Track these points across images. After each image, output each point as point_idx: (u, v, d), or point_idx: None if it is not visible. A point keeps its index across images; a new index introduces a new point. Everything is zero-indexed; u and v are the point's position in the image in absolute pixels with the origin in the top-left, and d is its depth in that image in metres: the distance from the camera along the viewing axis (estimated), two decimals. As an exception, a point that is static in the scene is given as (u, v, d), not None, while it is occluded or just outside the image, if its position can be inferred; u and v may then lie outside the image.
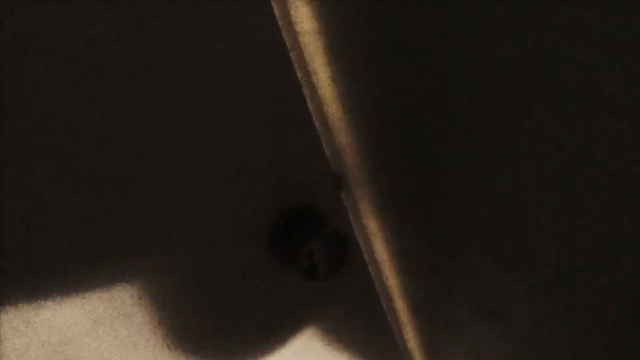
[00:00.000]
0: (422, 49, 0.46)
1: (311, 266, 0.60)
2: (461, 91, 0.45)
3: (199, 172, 0.52)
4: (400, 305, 0.90)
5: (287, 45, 0.56)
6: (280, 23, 0.54)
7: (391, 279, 0.85)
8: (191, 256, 0.54)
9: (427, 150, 0.55)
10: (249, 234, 0.59)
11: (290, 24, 0.55)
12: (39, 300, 0.43)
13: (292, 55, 0.57)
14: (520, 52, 0.38)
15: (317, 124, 0.61)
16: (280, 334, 0.69)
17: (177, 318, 0.54)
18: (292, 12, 0.55)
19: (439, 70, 0.46)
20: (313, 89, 0.61)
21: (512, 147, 0.45)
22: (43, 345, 0.44)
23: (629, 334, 0.48)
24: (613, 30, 0.32)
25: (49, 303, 0.43)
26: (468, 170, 0.52)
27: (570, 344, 0.56)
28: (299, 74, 0.57)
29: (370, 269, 0.83)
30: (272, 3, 0.52)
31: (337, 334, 0.84)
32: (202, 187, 0.53)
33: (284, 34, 0.55)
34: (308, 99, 0.59)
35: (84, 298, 0.46)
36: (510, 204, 0.50)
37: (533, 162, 0.44)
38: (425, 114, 0.52)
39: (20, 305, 0.42)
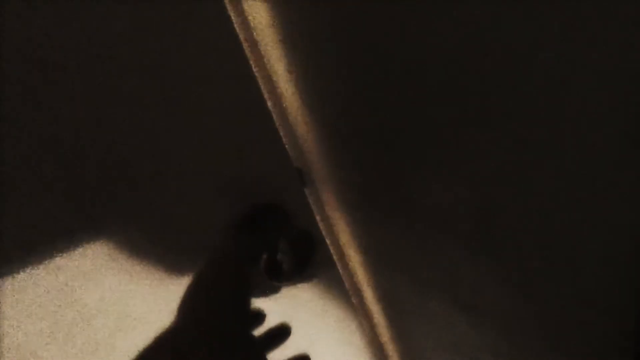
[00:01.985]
0: (383, 39, 0.45)
1: (274, 266, 0.58)
2: (427, 81, 0.45)
3: (156, 172, 0.50)
4: (371, 300, 0.89)
5: (241, 38, 0.54)
6: (232, 14, 0.52)
7: (360, 274, 0.84)
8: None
9: (392, 142, 0.54)
10: (211, 234, 0.57)
11: (243, 16, 0.53)
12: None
13: (247, 49, 0.55)
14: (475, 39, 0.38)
15: (276, 118, 0.60)
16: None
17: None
18: (244, 3, 0.53)
19: (402, 61, 0.45)
20: (270, 83, 0.59)
21: (481, 138, 0.44)
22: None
23: (603, 323, 0.48)
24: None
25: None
26: (435, 161, 0.51)
27: (547, 335, 0.56)
28: (254, 68, 0.55)
29: (338, 265, 0.82)
30: (223, -7, 0.50)
31: (306, 331, 0.83)
32: (159, 188, 0.51)
33: (237, 27, 0.53)
34: (265, 93, 0.57)
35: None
36: (480, 195, 0.49)
37: (504, 152, 0.44)
38: (389, 104, 0.51)
39: None
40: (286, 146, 0.63)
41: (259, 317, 0.51)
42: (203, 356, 0.38)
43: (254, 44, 0.56)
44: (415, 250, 0.64)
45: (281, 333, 0.51)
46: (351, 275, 0.85)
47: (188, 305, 0.43)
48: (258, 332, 0.50)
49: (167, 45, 0.46)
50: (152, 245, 0.52)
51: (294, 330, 0.52)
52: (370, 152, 0.58)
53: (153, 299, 0.55)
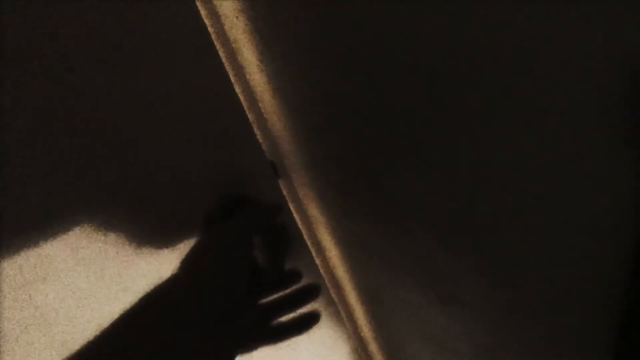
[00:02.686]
0: (358, 27, 0.43)
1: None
2: (403, 73, 0.43)
3: (123, 164, 0.47)
4: (351, 294, 0.88)
5: (209, 29, 0.52)
6: (199, 4, 0.50)
7: (339, 267, 0.83)
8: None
9: (368, 134, 0.53)
10: (184, 230, 0.55)
11: (211, 4, 0.51)
12: None
13: (215, 39, 0.53)
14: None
15: (247, 109, 0.58)
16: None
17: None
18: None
19: (377, 52, 0.44)
20: (240, 72, 0.57)
21: (459, 132, 0.43)
22: None
23: (583, 313, 0.48)
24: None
25: None
26: (412, 154, 0.50)
27: (527, 325, 0.55)
28: (223, 58, 0.53)
29: (316, 259, 0.80)
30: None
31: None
32: (125, 182, 0.48)
33: (204, 17, 0.51)
34: (234, 82, 0.55)
35: None
36: (458, 189, 0.48)
37: (482, 146, 0.43)
38: (365, 96, 0.49)
39: None
40: (259, 139, 0.61)
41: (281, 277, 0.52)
42: (196, 307, 0.38)
43: (223, 33, 0.54)
44: (394, 243, 0.63)
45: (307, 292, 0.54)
46: (330, 270, 0.84)
47: (189, 262, 0.44)
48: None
49: (133, 35, 0.44)
50: (129, 235, 0.50)
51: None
52: (345, 144, 0.57)
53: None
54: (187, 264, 0.44)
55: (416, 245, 0.59)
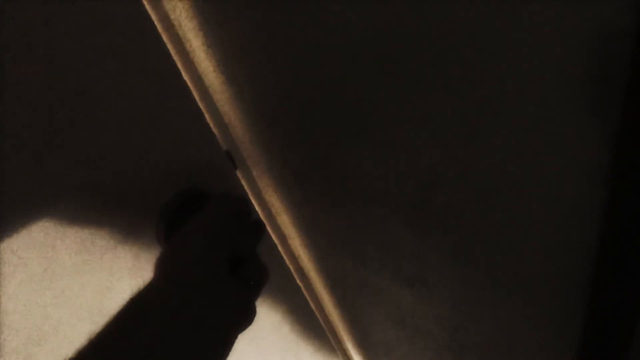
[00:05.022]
0: (306, 6, 0.42)
1: None
2: (356, 47, 0.42)
3: (79, 162, 0.44)
4: (317, 281, 0.88)
5: (153, 17, 0.49)
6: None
7: (303, 255, 0.82)
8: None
9: (322, 115, 0.52)
10: (138, 226, 0.53)
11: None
12: None
13: (160, 27, 0.50)
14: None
15: (197, 98, 0.55)
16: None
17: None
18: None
19: (328, 30, 0.42)
20: (187, 59, 0.54)
21: (418, 107, 0.42)
22: None
23: (549, 291, 0.48)
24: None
25: None
26: (370, 133, 0.49)
27: (493, 304, 0.56)
28: (169, 45, 0.50)
29: (280, 248, 0.79)
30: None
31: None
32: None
33: (147, 6, 0.48)
34: (182, 70, 0.53)
35: None
36: (418, 167, 0.48)
37: (442, 121, 0.42)
38: (317, 76, 0.48)
39: None
40: (213, 129, 0.59)
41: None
42: (192, 308, 0.39)
43: (167, 19, 0.52)
44: (356, 226, 0.62)
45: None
46: (294, 258, 0.83)
47: (166, 264, 0.44)
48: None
49: (75, 26, 0.41)
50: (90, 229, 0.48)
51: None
52: (300, 128, 0.56)
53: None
54: (164, 264, 0.44)
55: (379, 227, 0.58)
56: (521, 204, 0.43)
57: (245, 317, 0.46)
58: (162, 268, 0.44)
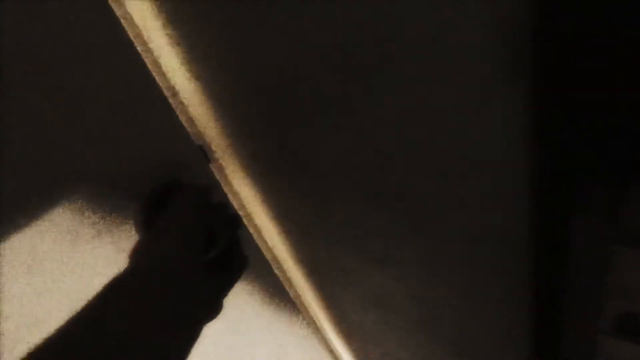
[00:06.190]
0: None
1: None
2: (309, 42, 0.46)
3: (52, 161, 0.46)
4: (293, 269, 0.91)
5: (115, 11, 0.51)
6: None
7: (278, 244, 0.86)
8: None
9: (288, 107, 0.55)
10: (120, 218, 0.55)
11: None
12: None
13: (123, 23, 0.53)
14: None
15: (165, 92, 0.58)
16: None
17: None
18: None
19: (282, 27, 0.46)
20: (153, 58, 0.57)
21: (362, 93, 0.46)
22: None
23: (507, 260, 0.53)
24: None
25: None
26: (322, 118, 0.53)
27: (461, 277, 0.60)
28: (132, 40, 0.53)
29: (255, 238, 0.82)
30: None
31: (235, 308, 0.83)
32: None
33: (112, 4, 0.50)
34: (149, 65, 0.55)
35: None
36: (369, 147, 0.52)
37: (384, 104, 0.46)
38: (275, 69, 0.51)
39: None
40: (182, 122, 0.62)
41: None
42: (164, 298, 0.40)
43: (131, 19, 0.54)
44: (322, 210, 0.66)
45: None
46: (269, 248, 0.86)
47: (141, 255, 0.45)
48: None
49: (44, 26, 0.43)
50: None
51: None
52: (262, 118, 0.59)
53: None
54: (139, 255, 0.45)
55: (343, 210, 0.62)
56: (458, 168, 0.47)
57: (214, 311, 0.47)
58: (137, 258, 0.45)
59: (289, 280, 0.93)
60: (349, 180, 0.57)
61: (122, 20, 0.52)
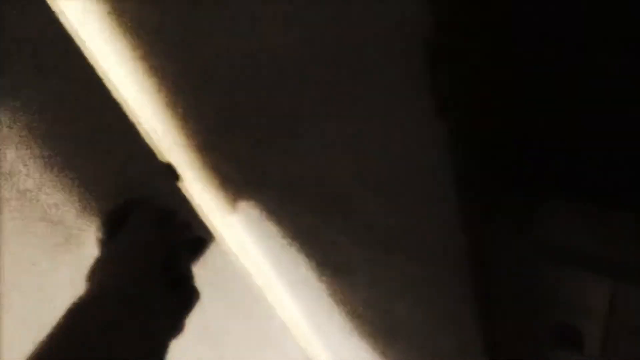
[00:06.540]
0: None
1: None
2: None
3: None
4: (274, 285, 0.92)
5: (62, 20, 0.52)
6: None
7: (259, 263, 0.87)
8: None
9: (246, 122, 0.57)
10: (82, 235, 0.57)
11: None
12: None
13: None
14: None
15: (127, 108, 0.59)
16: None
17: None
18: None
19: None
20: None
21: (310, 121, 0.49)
22: None
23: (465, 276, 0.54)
24: None
25: None
26: (279, 136, 0.55)
27: (415, 289, 0.61)
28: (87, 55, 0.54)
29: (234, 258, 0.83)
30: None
31: (217, 325, 0.84)
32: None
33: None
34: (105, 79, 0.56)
35: None
36: (316, 164, 0.54)
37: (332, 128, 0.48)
38: (239, 87, 0.54)
39: None
40: (146, 140, 0.63)
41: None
42: (128, 320, 0.42)
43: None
44: (283, 223, 0.68)
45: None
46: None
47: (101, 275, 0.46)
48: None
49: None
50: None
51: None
52: (228, 135, 0.61)
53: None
54: (97, 274, 0.47)
55: (299, 222, 0.64)
56: (389, 180, 0.49)
57: (176, 329, 0.48)
58: (94, 279, 0.46)
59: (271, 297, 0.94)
60: (301, 193, 0.59)
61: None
